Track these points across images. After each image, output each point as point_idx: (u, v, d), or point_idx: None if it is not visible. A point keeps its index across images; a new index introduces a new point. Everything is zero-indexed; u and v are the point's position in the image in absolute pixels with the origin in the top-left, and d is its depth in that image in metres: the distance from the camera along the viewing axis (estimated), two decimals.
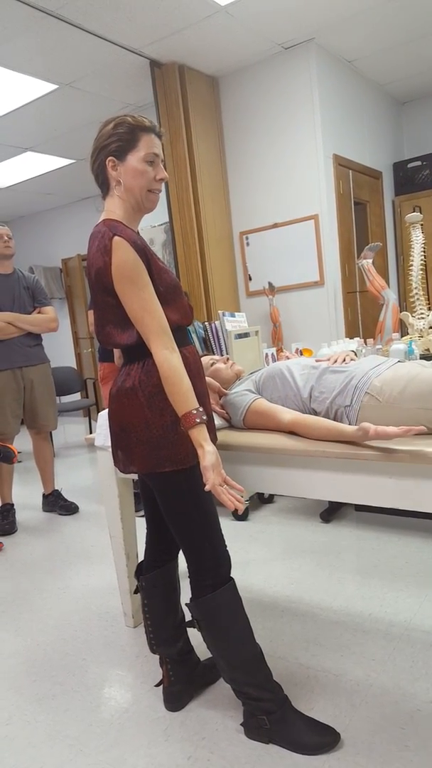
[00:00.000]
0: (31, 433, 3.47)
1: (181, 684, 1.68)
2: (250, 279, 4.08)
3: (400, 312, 2.60)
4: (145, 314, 1.32)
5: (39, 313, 3.35)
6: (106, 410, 1.60)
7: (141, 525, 1.81)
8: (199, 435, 1.31)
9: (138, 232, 1.44)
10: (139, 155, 1.39)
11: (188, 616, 1.56)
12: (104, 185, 1.44)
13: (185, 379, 1.32)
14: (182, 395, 1.31)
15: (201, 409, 1.32)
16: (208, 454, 1.30)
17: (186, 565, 1.49)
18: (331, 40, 3.58)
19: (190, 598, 1.48)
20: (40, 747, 1.58)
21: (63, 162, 5.25)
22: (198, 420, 1.30)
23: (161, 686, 1.71)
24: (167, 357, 1.32)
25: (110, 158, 1.39)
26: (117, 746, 1.55)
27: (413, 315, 2.48)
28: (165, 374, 1.32)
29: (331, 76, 3.77)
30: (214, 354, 2.92)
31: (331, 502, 2.99)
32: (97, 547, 2.94)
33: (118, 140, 1.38)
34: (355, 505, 2.99)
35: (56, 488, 3.62)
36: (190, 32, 3.28)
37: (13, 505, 3.41)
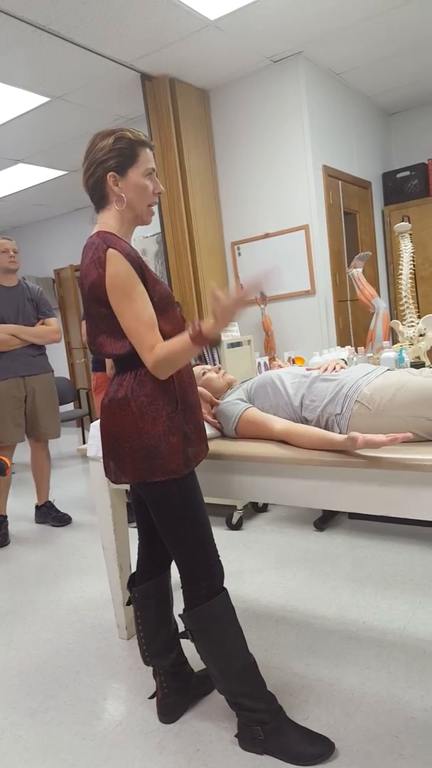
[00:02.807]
0: (30, 441, 3.49)
1: (175, 696, 1.67)
2: (242, 289, 4.10)
3: (390, 320, 2.62)
4: (138, 325, 1.33)
5: (43, 324, 3.40)
6: (99, 421, 1.60)
7: (134, 536, 1.81)
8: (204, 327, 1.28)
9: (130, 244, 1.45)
10: (139, 170, 1.40)
11: (181, 627, 1.55)
12: (102, 200, 1.43)
13: (175, 344, 1.32)
14: (181, 349, 1.30)
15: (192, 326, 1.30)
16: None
17: (179, 575, 1.49)
18: (319, 53, 3.63)
19: (183, 609, 1.48)
20: (33, 762, 1.56)
21: (55, 173, 5.28)
22: (196, 329, 1.28)
23: (155, 698, 1.70)
24: (157, 359, 1.33)
25: (111, 174, 1.39)
26: (111, 760, 1.53)
27: (403, 323, 2.50)
28: (164, 362, 1.32)
29: (320, 88, 3.82)
30: (206, 363, 2.94)
31: (324, 511, 2.99)
32: (90, 559, 2.92)
33: (118, 155, 1.38)
34: (349, 513, 2.99)
35: (49, 499, 3.60)
36: (180, 46, 3.32)
37: (5, 517, 3.39)
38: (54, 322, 3.44)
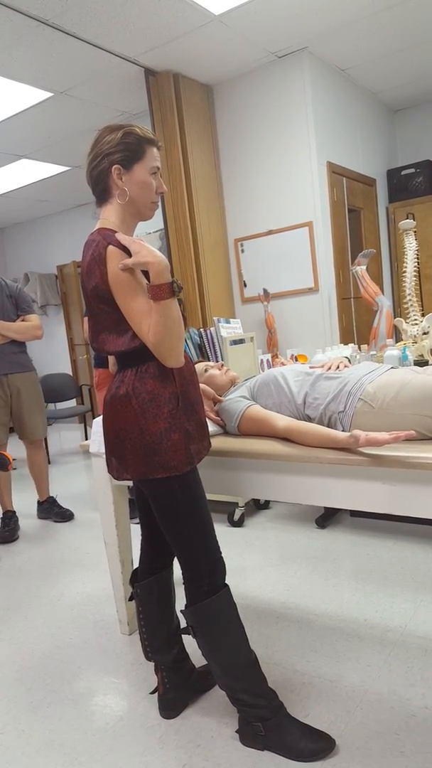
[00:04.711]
0: (23, 441, 3.45)
1: (176, 691, 1.68)
2: (245, 285, 4.10)
3: (394, 318, 2.61)
4: (143, 319, 1.32)
5: (23, 321, 3.32)
6: (101, 417, 1.60)
7: (136, 532, 1.82)
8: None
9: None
10: (145, 167, 1.40)
11: (183, 623, 1.56)
12: (105, 193, 1.43)
13: (153, 317, 1.31)
14: (157, 314, 1.29)
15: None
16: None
17: (181, 571, 1.50)
18: (324, 48, 3.61)
19: (185, 605, 1.48)
20: (35, 756, 1.57)
21: (58, 169, 5.27)
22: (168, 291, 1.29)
23: (156, 694, 1.71)
24: (153, 341, 1.31)
25: (116, 166, 1.38)
26: (112, 754, 1.54)
27: (407, 321, 2.50)
28: (158, 338, 1.30)
29: (325, 84, 3.80)
30: (209, 360, 2.93)
31: (326, 508, 2.99)
32: (92, 555, 2.93)
33: (125, 150, 1.38)
34: (351, 510, 2.99)
35: (51, 495, 3.61)
36: (184, 41, 3.31)
37: (14, 512, 3.41)
38: (35, 319, 3.35)
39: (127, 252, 1.32)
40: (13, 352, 3.28)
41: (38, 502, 3.61)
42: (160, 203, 1.51)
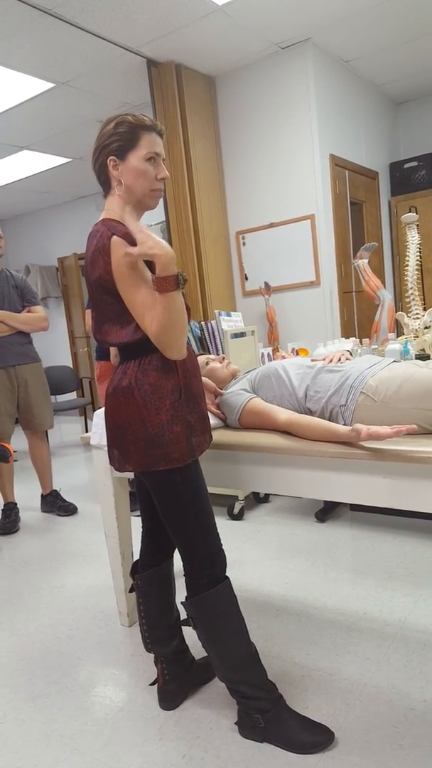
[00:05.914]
0: (27, 433, 3.44)
1: (176, 683, 1.69)
2: (247, 279, 4.09)
3: (396, 312, 2.60)
4: (146, 311, 1.32)
5: (29, 312, 3.31)
6: (102, 409, 1.60)
7: (136, 524, 1.82)
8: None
9: None
10: (140, 154, 1.40)
11: (183, 615, 1.56)
12: (106, 184, 1.45)
13: (156, 309, 1.30)
14: (161, 308, 1.28)
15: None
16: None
17: (182, 563, 1.50)
18: (327, 40, 3.58)
19: (186, 597, 1.48)
20: (35, 746, 1.58)
21: (60, 161, 5.24)
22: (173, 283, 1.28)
23: (156, 685, 1.71)
24: (155, 333, 1.31)
25: (111, 157, 1.40)
26: (112, 745, 1.55)
27: (409, 315, 2.49)
28: (161, 330, 1.29)
29: (328, 76, 3.77)
30: (210, 353, 2.93)
31: (326, 502, 2.99)
32: (93, 547, 2.94)
33: (118, 139, 1.39)
34: (350, 504, 3.00)
35: (55, 488, 3.60)
36: (187, 31, 3.28)
37: (15, 504, 3.40)
38: (40, 310, 3.35)
39: (132, 243, 1.32)
40: (20, 343, 3.28)
41: (42, 495, 3.60)
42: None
